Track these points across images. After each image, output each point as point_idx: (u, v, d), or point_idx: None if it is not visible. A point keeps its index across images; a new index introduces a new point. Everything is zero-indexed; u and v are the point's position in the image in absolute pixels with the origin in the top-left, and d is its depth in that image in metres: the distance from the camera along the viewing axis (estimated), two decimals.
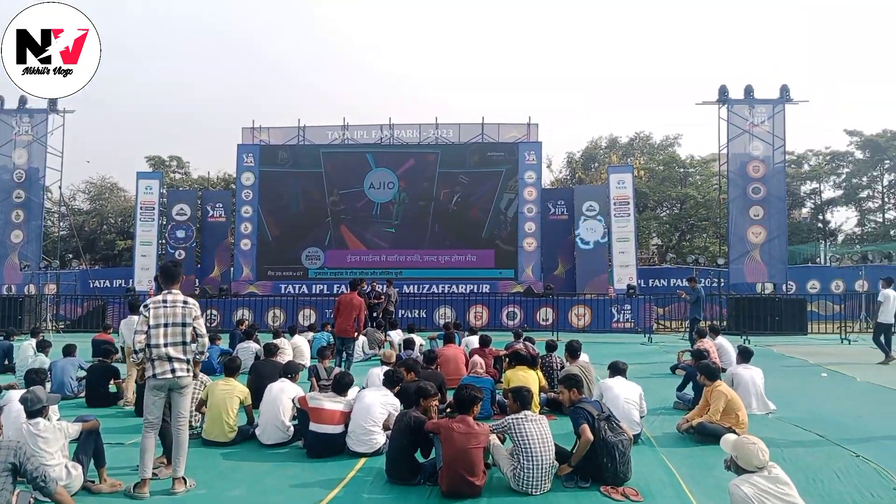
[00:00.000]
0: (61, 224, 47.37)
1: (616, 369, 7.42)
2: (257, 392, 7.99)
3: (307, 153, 27.37)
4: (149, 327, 5.43)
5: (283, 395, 7.12)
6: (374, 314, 18.58)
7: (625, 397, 6.85)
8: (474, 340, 12.51)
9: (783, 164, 25.34)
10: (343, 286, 25.60)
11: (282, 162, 27.16)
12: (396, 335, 14.63)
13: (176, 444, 5.61)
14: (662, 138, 47.54)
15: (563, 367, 10.08)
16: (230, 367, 7.48)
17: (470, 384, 5.76)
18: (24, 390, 6.30)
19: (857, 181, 41.72)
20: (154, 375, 5.43)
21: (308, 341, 14.41)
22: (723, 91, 25.43)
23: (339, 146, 27.59)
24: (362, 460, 6.44)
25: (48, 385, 10.03)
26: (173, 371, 5.42)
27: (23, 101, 25.21)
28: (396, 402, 6.89)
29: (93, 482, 5.56)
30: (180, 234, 27.54)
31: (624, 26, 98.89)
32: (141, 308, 5.54)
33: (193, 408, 7.69)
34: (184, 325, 5.50)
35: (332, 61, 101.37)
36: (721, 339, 12.24)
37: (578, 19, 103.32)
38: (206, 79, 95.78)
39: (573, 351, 8.59)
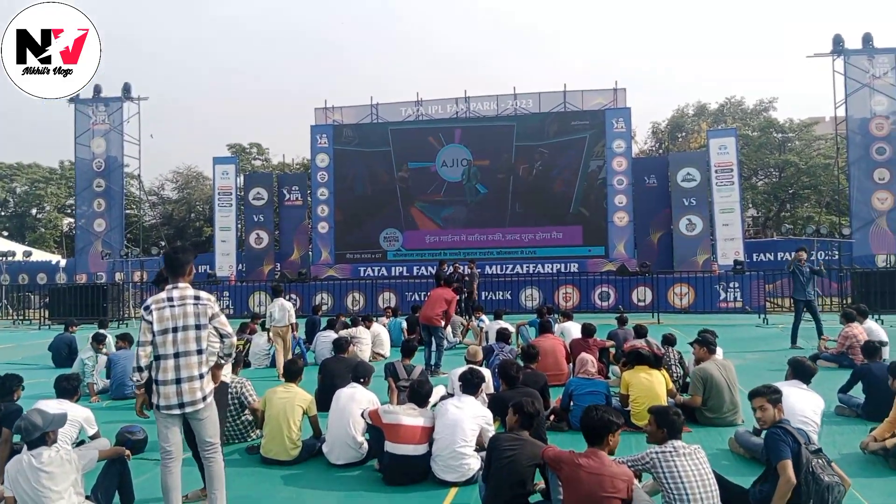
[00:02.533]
0: (151, 212, 48.79)
1: (801, 370, 5.53)
2: (328, 395, 6.81)
3: (377, 132, 26.28)
4: (153, 335, 4.24)
5: (354, 404, 5.86)
6: (460, 298, 17.27)
7: (802, 415, 5.13)
8: (572, 328, 10.98)
9: None
10: (422, 267, 24.76)
11: (346, 140, 26.15)
12: (485, 322, 13.26)
13: (208, 476, 4.44)
14: (756, 103, 44.15)
15: (681, 361, 8.48)
16: (290, 371, 6.27)
17: (600, 406, 4.15)
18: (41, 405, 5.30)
19: None
20: (158, 407, 4.26)
21: (384, 326, 13.29)
22: (837, 41, 22.58)
23: (408, 122, 26.39)
24: (452, 491, 5.10)
25: (102, 384, 9.31)
26: (181, 404, 4.23)
27: (97, 89, 25.25)
28: (489, 414, 5.51)
29: None
30: (258, 218, 27.12)
31: None
32: (141, 311, 4.37)
33: (250, 422, 6.61)
34: (198, 327, 4.29)
35: (404, 38, 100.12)
36: (871, 323, 10.25)
37: None
38: (282, 63, 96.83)
39: (709, 344, 6.87)
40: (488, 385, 6.76)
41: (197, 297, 4.35)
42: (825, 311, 18.95)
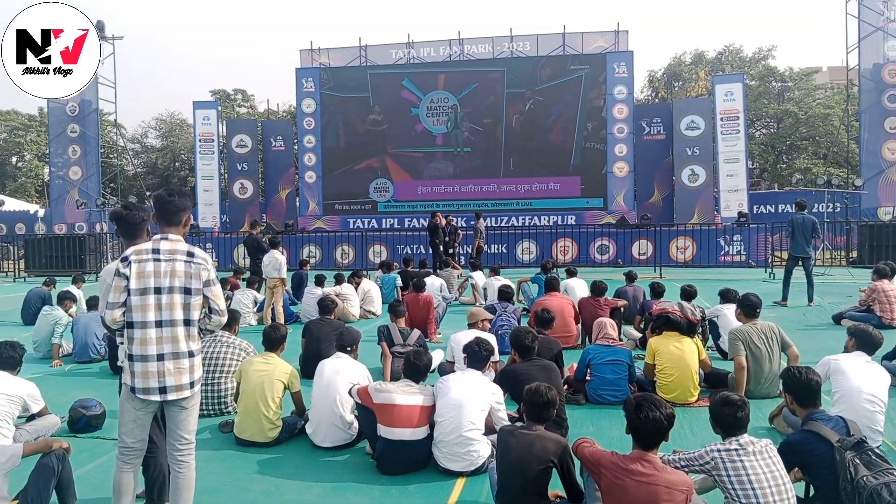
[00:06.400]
0: (134, 161, 47.36)
1: (867, 340, 4.69)
2: (313, 361, 5.99)
3: (359, 76, 24.96)
4: (129, 294, 3.33)
5: (340, 378, 5.05)
6: (451, 251, 16.52)
7: (870, 394, 4.37)
8: (577, 286, 10.23)
9: None
10: (414, 219, 23.82)
11: (331, 85, 24.81)
12: (480, 277, 12.46)
13: (174, 487, 3.55)
14: (755, 51, 42.95)
15: (704, 318, 7.70)
16: (271, 339, 5.42)
17: (654, 400, 3.24)
18: None
19: None
20: (133, 389, 3.37)
21: (376, 283, 12.47)
22: None
23: (390, 66, 25.07)
24: (459, 483, 4.35)
25: (67, 346, 8.51)
26: (163, 388, 3.35)
27: None
28: (498, 391, 4.70)
29: None
30: (242, 166, 25.97)
31: None
32: (118, 264, 3.42)
33: (229, 399, 5.85)
34: (187, 291, 3.40)
35: None
36: None
37: None
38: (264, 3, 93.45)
39: (750, 308, 6.04)
40: (495, 354, 5.99)
41: (190, 254, 3.42)
42: (833, 266, 18.39)
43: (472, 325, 6.48)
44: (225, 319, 3.63)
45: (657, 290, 8.30)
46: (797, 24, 76.05)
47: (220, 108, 27.99)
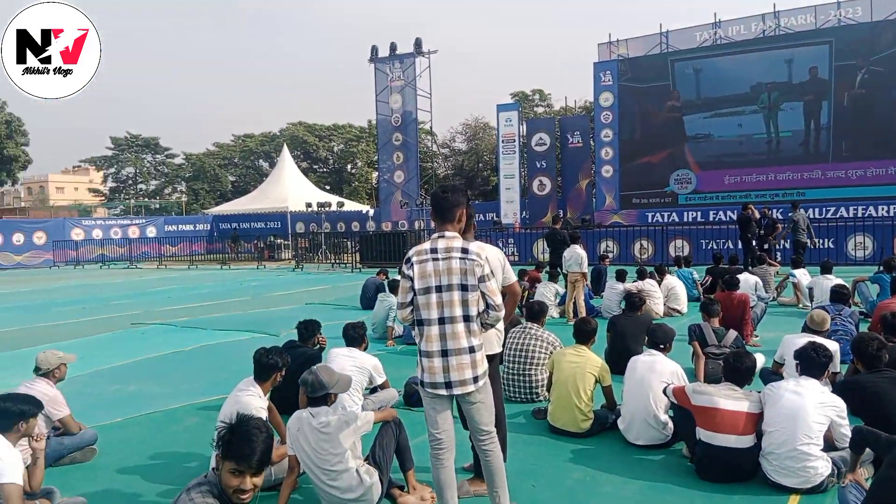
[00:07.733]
0: (444, 164, 52.02)
1: None
2: (618, 357, 6.04)
3: (658, 64, 23.94)
4: (414, 294, 3.55)
5: (654, 376, 4.91)
6: (766, 246, 15.10)
7: None
8: None
9: None
10: (720, 211, 22.24)
11: (630, 76, 24.13)
12: (803, 276, 11.16)
13: (486, 470, 3.74)
14: None
15: None
16: (583, 331, 5.51)
17: None
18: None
19: None
20: (422, 384, 3.61)
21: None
22: None
23: (692, 51, 23.52)
24: (792, 501, 3.94)
25: (399, 329, 9.60)
26: (448, 383, 3.50)
27: (393, 47, 26.81)
28: (842, 404, 4.14)
29: (401, 489, 4.20)
30: (540, 164, 26.85)
31: None
32: (402, 267, 3.65)
33: (539, 389, 6.10)
34: (464, 287, 3.48)
35: None
36: None
37: None
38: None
39: None
40: (835, 363, 5.28)
41: (465, 251, 3.50)
42: None
43: (810, 331, 5.73)
44: (502, 314, 3.65)
45: None
46: None
47: (520, 109, 29.25)
